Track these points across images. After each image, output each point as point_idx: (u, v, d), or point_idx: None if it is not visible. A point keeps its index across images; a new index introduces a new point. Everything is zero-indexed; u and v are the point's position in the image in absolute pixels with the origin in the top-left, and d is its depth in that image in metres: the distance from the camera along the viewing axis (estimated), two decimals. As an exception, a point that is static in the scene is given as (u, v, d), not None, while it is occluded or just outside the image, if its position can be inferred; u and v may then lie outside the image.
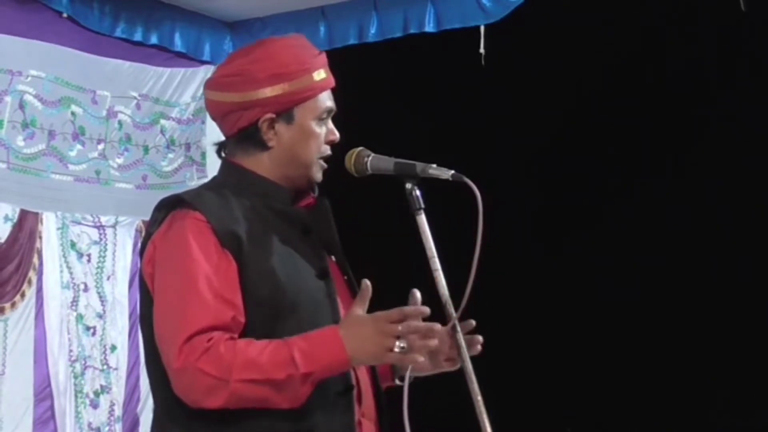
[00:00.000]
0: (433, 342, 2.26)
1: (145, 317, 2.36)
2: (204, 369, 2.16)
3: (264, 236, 2.34)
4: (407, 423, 2.26)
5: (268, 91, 2.40)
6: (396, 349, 2.20)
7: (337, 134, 2.47)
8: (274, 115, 2.40)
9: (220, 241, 2.28)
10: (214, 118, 2.53)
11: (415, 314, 2.23)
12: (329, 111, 2.46)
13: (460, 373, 2.33)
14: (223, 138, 2.54)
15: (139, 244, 5.31)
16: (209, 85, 2.50)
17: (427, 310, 2.24)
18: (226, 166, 2.50)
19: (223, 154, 2.53)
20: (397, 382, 2.50)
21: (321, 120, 2.44)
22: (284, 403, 2.20)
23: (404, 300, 2.54)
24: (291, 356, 2.17)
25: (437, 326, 2.27)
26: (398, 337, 2.20)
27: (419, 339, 2.23)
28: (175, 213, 2.34)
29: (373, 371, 2.44)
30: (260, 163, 2.43)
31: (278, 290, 2.29)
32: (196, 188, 2.51)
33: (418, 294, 2.31)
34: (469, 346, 2.36)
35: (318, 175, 2.45)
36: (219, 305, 2.23)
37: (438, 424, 4.71)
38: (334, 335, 2.20)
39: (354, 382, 2.35)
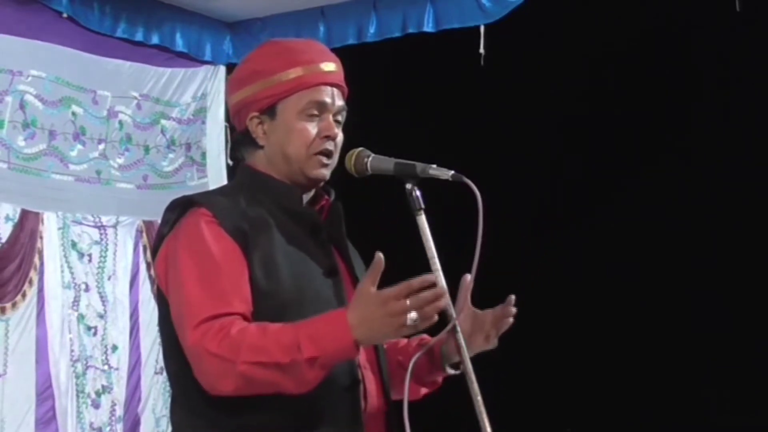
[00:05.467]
0: (443, 301, 2.23)
1: (162, 318, 2.39)
2: (212, 350, 2.18)
3: (271, 233, 2.36)
4: (407, 422, 2.27)
5: (247, 90, 2.44)
6: (408, 323, 2.17)
7: (334, 130, 2.45)
8: (258, 113, 2.44)
9: (229, 235, 2.31)
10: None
11: (422, 285, 2.19)
12: (320, 105, 2.43)
13: (460, 373, 2.34)
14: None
15: (141, 245, 5.40)
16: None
17: (432, 277, 2.21)
18: (239, 169, 2.54)
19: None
20: (450, 371, 2.47)
21: (309, 115, 2.43)
22: (292, 387, 2.19)
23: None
24: (297, 340, 2.16)
25: (442, 287, 2.23)
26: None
27: (428, 306, 2.19)
28: (186, 213, 2.37)
29: (380, 369, 2.44)
30: (261, 163, 2.46)
31: (282, 285, 2.31)
32: (209, 190, 2.58)
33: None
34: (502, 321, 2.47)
35: (314, 172, 2.43)
36: (230, 293, 2.26)
37: (438, 424, 4.72)
38: (341, 319, 2.18)
39: (360, 377, 2.36)
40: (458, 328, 2.34)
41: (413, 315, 2.17)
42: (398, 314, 2.16)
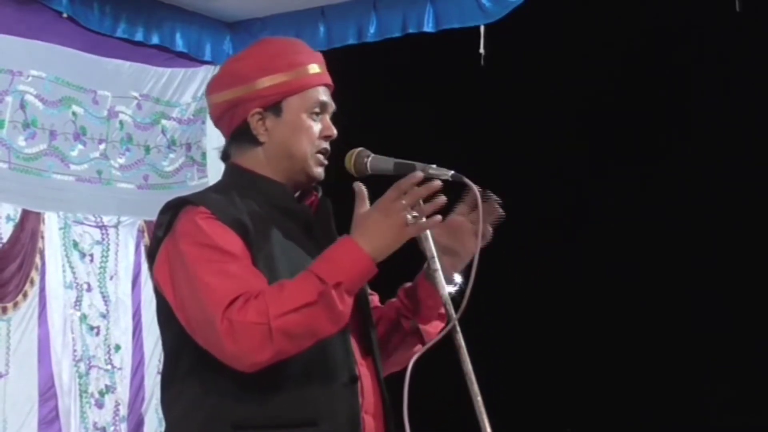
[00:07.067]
0: (441, 199, 2.28)
1: (164, 319, 2.38)
2: (244, 320, 2.18)
3: (267, 230, 2.36)
4: (407, 422, 2.27)
5: (253, 86, 2.43)
6: (410, 220, 2.23)
7: (334, 130, 2.47)
8: (261, 110, 2.43)
9: (230, 228, 2.32)
10: (215, 123, 2.57)
11: (411, 182, 2.25)
12: (322, 105, 2.46)
13: (460, 373, 2.34)
14: (223, 140, 2.56)
15: (142, 245, 5.40)
16: (207, 90, 2.56)
17: (419, 174, 2.27)
18: (228, 169, 2.53)
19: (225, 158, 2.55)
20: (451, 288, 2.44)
21: (313, 114, 2.44)
22: (329, 324, 2.21)
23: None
24: (316, 276, 2.21)
25: (437, 182, 2.28)
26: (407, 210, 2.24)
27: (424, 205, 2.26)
28: (180, 213, 2.36)
29: (375, 366, 2.45)
30: (257, 161, 2.45)
31: (278, 279, 2.30)
32: (201, 190, 2.54)
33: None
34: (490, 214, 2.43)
35: (316, 170, 2.45)
36: (246, 276, 2.26)
37: (438, 424, 4.72)
38: (347, 242, 2.25)
39: (357, 374, 2.37)
40: (458, 329, 2.34)
41: (412, 212, 2.24)
42: (397, 212, 2.24)
